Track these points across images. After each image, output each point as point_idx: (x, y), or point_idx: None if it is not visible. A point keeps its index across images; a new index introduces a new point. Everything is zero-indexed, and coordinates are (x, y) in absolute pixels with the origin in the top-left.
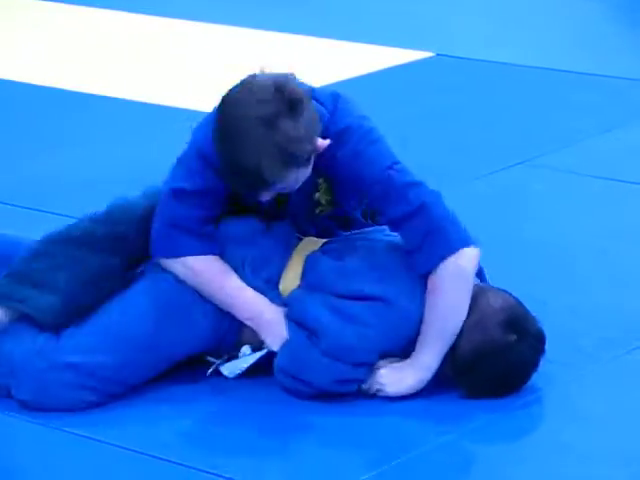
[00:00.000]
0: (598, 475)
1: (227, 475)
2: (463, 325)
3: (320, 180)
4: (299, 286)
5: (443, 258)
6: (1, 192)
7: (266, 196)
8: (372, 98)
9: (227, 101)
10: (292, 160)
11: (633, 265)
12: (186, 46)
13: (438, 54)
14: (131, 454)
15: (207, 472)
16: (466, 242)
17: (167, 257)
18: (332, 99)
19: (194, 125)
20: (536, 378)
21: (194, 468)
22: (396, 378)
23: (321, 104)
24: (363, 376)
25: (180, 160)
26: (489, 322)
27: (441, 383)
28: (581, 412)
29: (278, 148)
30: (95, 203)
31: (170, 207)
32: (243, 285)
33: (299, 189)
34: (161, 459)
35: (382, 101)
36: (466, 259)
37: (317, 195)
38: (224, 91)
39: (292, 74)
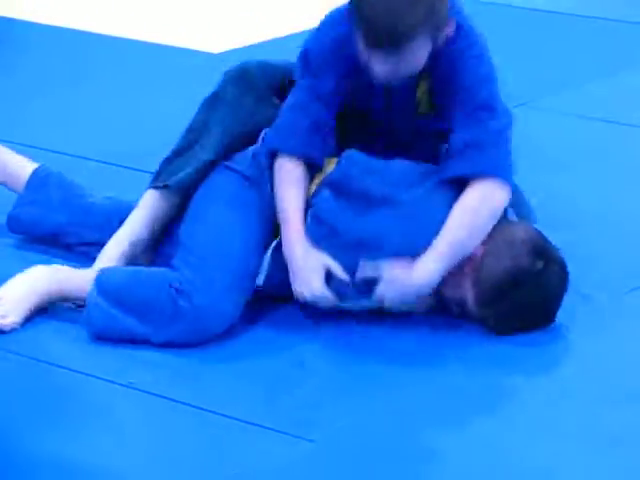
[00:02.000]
0: (599, 414)
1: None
2: (487, 255)
3: (423, 74)
4: (321, 182)
5: (485, 173)
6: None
7: (381, 67)
8: None
9: None
10: (433, 17)
11: (634, 208)
12: None
13: None
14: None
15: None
16: (508, 181)
17: (290, 152)
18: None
19: None
20: None
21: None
22: (397, 277)
23: None
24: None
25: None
26: (516, 250)
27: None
28: (577, 354)
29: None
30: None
31: (307, 105)
32: (297, 218)
33: (403, 87)
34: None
35: None
36: (503, 193)
37: (418, 94)
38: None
39: None
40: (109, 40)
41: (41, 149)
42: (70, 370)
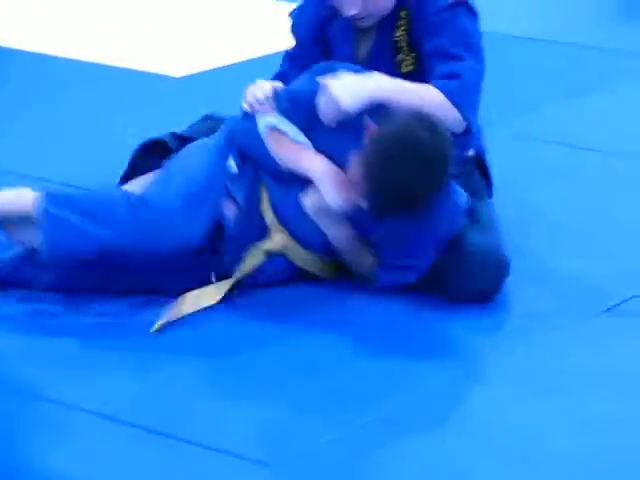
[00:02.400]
0: (556, 447)
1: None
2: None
3: (402, 14)
4: None
5: (455, 104)
6: None
7: (350, 4)
8: None
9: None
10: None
11: (591, 231)
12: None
13: None
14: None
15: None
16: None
17: None
18: None
19: None
20: (495, 343)
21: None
22: (345, 80)
23: None
24: None
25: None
26: (409, 119)
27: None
28: (535, 378)
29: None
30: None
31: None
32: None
33: (380, 33)
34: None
35: None
36: (455, 122)
37: (397, 35)
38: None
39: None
40: (71, 64)
41: (5, 172)
42: (39, 396)
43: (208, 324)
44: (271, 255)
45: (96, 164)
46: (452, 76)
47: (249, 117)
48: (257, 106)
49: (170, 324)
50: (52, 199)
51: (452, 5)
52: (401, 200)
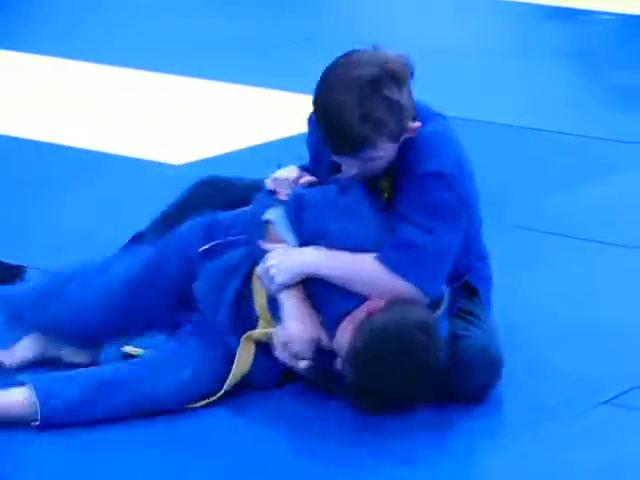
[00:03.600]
0: None
1: None
2: (383, 309)
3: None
4: None
5: (406, 278)
6: None
7: (350, 167)
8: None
9: (332, 65)
10: (385, 127)
11: (590, 324)
12: (141, 96)
13: None
14: None
15: None
16: (429, 292)
17: None
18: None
19: None
20: (496, 435)
21: None
22: (280, 254)
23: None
24: None
25: None
26: (408, 314)
27: None
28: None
29: (376, 111)
30: None
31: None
32: None
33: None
34: None
35: None
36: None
37: (382, 183)
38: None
39: (404, 54)
40: (70, 151)
41: None
42: None
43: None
44: (260, 344)
45: (100, 252)
46: (406, 246)
47: (269, 196)
48: (277, 185)
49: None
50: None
51: (428, 175)
52: (379, 398)
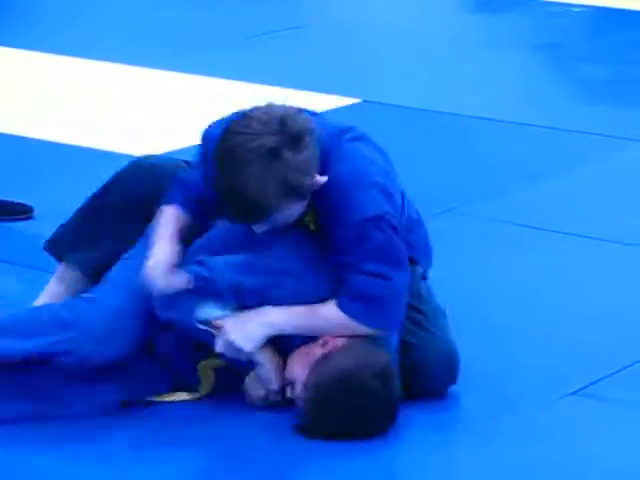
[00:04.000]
0: None
1: None
2: (343, 348)
3: (308, 217)
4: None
5: (370, 326)
6: None
7: (260, 228)
8: None
9: (230, 130)
10: (291, 191)
11: (557, 316)
12: (117, 89)
13: (365, 100)
14: None
15: None
16: (393, 330)
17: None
18: (339, 136)
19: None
20: (456, 428)
21: None
22: (239, 323)
23: (324, 142)
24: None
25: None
26: (368, 360)
27: None
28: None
29: (280, 178)
30: None
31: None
32: (166, 236)
33: None
34: None
35: None
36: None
37: (306, 219)
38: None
39: (297, 108)
40: (38, 144)
41: None
42: None
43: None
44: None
45: None
46: (365, 298)
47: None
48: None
49: None
50: None
51: (362, 221)
52: (332, 430)
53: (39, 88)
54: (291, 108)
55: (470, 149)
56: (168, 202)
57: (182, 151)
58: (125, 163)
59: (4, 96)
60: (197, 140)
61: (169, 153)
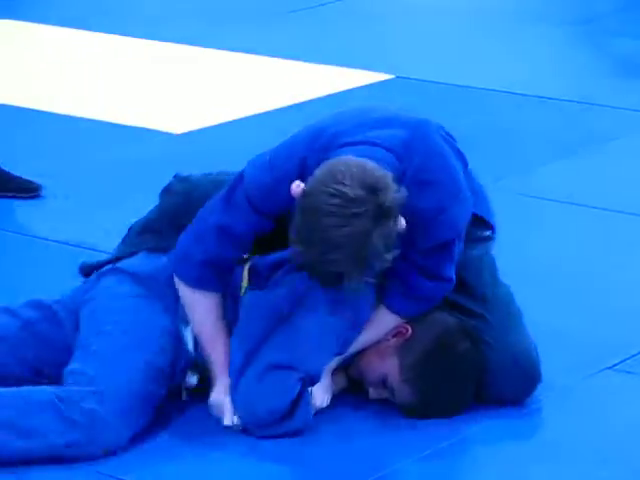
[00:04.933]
0: None
1: None
2: (417, 329)
3: None
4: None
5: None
6: None
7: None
8: None
9: (322, 205)
10: (372, 270)
11: (591, 289)
12: (148, 66)
13: (398, 76)
14: None
15: None
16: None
17: (185, 282)
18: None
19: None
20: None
21: None
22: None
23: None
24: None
25: (229, 196)
26: (447, 325)
27: None
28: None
29: (367, 259)
30: None
31: (209, 241)
32: (217, 338)
33: None
34: None
35: None
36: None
37: None
38: (190, 114)
39: (386, 174)
40: (71, 120)
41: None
42: None
43: None
44: None
45: (97, 222)
46: (415, 297)
47: None
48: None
49: None
50: None
51: (438, 246)
52: (436, 408)
53: (49, 61)
54: (379, 173)
55: (503, 124)
56: (202, 286)
57: (214, 128)
58: (139, 137)
59: (25, 71)
60: (230, 116)
61: (201, 130)
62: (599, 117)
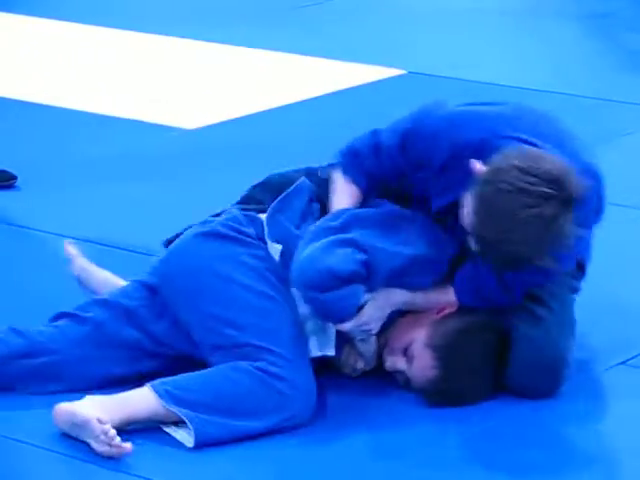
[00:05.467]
0: None
1: None
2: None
3: None
4: None
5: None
6: None
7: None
8: (344, 115)
9: (511, 184)
10: (551, 257)
11: (603, 283)
12: (153, 61)
13: (410, 72)
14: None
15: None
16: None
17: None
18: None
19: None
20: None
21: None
22: (377, 308)
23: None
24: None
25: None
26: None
27: None
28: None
29: (547, 246)
30: None
31: (368, 140)
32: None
33: None
34: None
35: (354, 118)
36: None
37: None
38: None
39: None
40: (84, 116)
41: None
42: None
43: None
44: None
45: (112, 219)
46: (480, 294)
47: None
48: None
49: None
50: (180, 401)
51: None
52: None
53: (64, 57)
54: (563, 165)
55: None
56: (344, 171)
57: (223, 124)
58: (152, 132)
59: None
60: (240, 112)
61: (211, 126)
62: (614, 112)
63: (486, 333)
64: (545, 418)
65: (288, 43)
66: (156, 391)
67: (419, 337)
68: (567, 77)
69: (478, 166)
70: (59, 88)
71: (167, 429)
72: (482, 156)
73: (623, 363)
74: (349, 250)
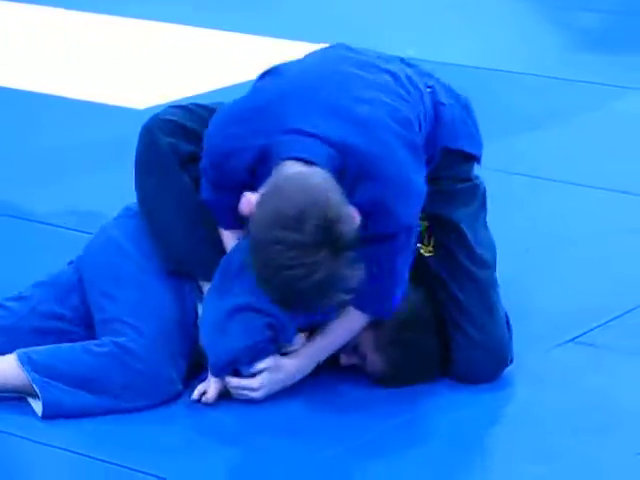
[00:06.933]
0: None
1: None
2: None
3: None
4: None
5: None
6: None
7: None
8: None
9: (271, 255)
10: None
11: (553, 262)
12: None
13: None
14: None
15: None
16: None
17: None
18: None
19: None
20: None
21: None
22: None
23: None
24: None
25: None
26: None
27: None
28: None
29: (336, 294)
30: None
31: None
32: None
33: None
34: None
35: None
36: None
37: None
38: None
39: (332, 197)
40: (35, 97)
41: None
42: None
43: None
44: None
45: (60, 199)
46: (387, 298)
47: None
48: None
49: None
50: (36, 366)
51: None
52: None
53: (13, 38)
54: (327, 200)
55: (469, 98)
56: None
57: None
58: (102, 113)
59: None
60: (181, 93)
61: (153, 106)
62: (562, 91)
63: (424, 319)
64: (492, 396)
65: (269, 26)
66: (19, 356)
67: (365, 339)
68: (515, 56)
69: (245, 204)
70: (8, 70)
71: (30, 399)
72: (264, 162)
73: (572, 340)
74: (248, 317)
